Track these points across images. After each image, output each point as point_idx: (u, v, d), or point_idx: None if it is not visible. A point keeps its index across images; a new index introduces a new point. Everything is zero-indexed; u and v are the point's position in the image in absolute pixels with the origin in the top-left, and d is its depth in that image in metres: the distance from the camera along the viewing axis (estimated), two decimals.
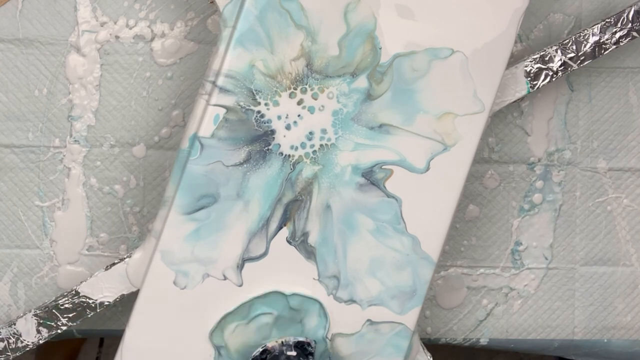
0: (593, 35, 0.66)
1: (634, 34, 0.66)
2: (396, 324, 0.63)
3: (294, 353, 0.60)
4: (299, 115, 0.60)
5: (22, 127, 0.68)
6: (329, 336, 0.62)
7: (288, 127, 0.60)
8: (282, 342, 0.61)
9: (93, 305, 0.63)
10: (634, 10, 0.66)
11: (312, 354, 0.60)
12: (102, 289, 0.63)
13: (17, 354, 0.64)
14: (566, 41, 0.66)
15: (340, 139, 0.61)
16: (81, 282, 0.63)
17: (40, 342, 0.64)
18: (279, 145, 0.60)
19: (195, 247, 0.60)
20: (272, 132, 0.60)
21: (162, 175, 0.69)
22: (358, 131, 0.61)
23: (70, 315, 0.63)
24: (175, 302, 0.61)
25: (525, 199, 0.73)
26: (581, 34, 0.66)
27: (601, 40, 0.66)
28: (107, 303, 0.63)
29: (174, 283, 0.61)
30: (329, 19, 0.60)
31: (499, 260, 0.74)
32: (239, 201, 0.60)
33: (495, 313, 0.74)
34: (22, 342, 0.64)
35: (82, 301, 0.63)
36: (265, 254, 0.61)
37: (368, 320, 0.62)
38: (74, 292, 0.63)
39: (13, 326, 0.64)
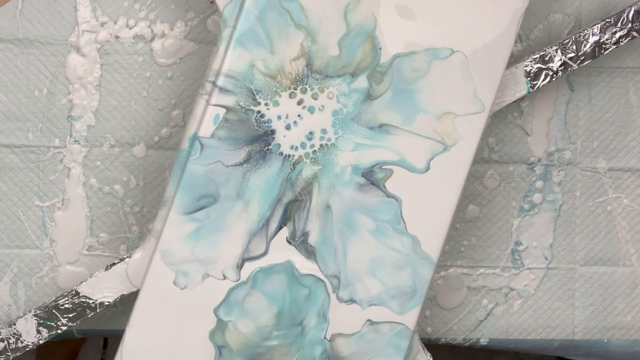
0: (593, 35, 0.66)
1: (634, 34, 0.66)
2: (396, 324, 0.63)
3: None
4: (299, 115, 0.60)
5: (22, 127, 0.68)
6: (329, 336, 0.62)
7: (288, 127, 0.60)
8: None
9: (93, 305, 0.63)
10: (634, 10, 0.66)
11: None
12: (102, 289, 0.63)
13: (17, 354, 0.64)
14: (566, 41, 0.66)
15: (340, 139, 0.61)
16: (81, 282, 0.63)
17: (40, 342, 0.64)
18: (279, 145, 0.60)
19: (195, 247, 0.60)
20: (272, 132, 0.60)
21: (162, 175, 0.69)
22: (358, 131, 0.61)
23: (70, 315, 0.63)
24: (176, 302, 0.61)
25: (525, 199, 0.73)
26: (581, 34, 0.66)
27: (601, 40, 0.66)
28: (107, 303, 0.63)
29: (174, 283, 0.61)
30: (329, 19, 0.60)
31: (499, 260, 0.74)
32: (239, 201, 0.60)
33: (495, 313, 0.74)
34: (22, 342, 0.64)
35: (82, 301, 0.63)
36: (265, 253, 0.61)
37: (368, 320, 0.62)
38: (74, 292, 0.63)
39: (13, 326, 0.64)
